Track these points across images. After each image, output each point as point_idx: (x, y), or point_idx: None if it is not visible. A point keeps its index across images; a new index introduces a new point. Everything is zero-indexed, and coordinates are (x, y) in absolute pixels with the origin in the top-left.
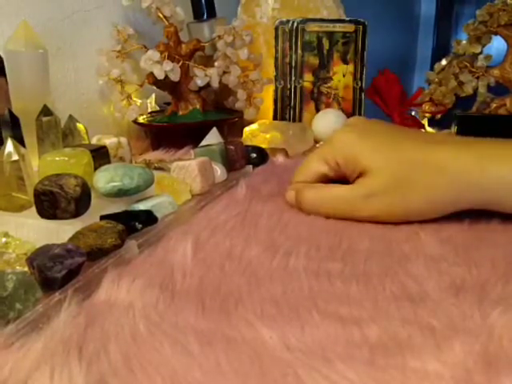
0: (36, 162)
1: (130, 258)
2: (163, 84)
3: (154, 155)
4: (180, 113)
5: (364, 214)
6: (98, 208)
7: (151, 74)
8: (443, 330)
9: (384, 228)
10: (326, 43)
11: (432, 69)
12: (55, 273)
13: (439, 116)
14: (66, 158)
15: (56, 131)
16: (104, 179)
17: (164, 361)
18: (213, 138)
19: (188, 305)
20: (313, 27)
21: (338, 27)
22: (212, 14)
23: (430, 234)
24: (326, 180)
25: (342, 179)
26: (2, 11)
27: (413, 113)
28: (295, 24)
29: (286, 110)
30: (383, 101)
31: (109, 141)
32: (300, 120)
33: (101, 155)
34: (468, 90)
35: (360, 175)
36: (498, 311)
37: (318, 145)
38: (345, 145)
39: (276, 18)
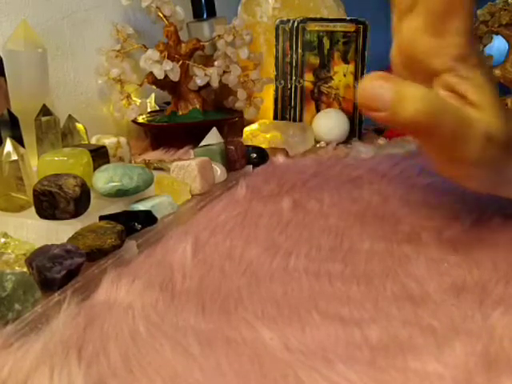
0: (35, 162)
1: (129, 258)
2: (163, 84)
3: (153, 155)
4: (180, 112)
5: None
6: (98, 208)
7: (151, 73)
8: (444, 331)
9: (385, 229)
10: (326, 43)
11: None
12: (54, 273)
13: None
14: (65, 158)
15: (55, 131)
16: (103, 179)
17: (164, 362)
18: (213, 137)
19: (188, 305)
20: (313, 27)
21: (339, 27)
22: (212, 13)
23: (430, 235)
24: None
25: None
26: (1, 11)
27: None
28: (296, 23)
29: (287, 109)
30: None
31: (108, 141)
32: (300, 120)
33: (100, 155)
34: None
35: None
36: (498, 312)
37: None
38: None
39: (276, 17)
